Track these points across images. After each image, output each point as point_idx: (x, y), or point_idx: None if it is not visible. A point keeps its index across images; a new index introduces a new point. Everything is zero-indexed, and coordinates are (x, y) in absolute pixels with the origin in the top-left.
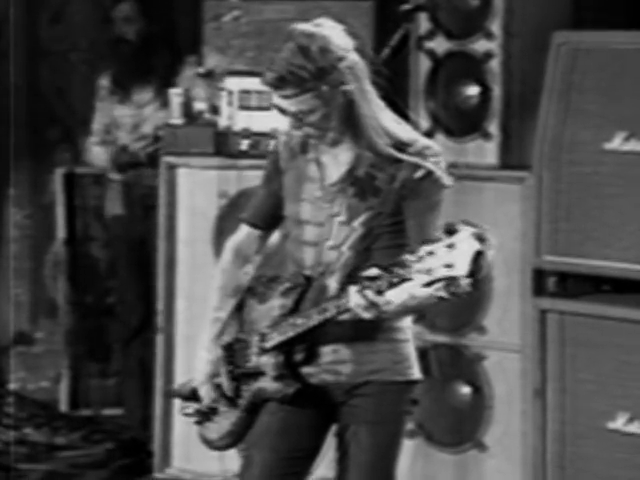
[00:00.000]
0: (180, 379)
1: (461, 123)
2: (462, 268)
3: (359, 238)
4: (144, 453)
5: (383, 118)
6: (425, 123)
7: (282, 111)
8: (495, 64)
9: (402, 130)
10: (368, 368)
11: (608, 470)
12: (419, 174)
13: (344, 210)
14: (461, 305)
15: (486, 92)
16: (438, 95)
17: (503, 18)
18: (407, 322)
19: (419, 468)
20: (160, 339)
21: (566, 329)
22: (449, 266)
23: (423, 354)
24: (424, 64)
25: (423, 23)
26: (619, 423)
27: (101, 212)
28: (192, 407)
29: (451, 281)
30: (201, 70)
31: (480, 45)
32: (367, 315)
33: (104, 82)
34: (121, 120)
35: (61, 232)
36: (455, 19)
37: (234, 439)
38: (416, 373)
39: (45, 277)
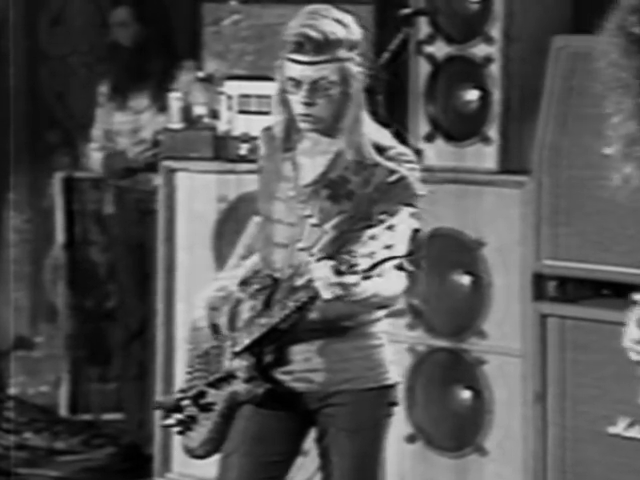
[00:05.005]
0: (180, 383)
1: (461, 127)
2: (401, 248)
3: (330, 241)
4: (144, 457)
5: (366, 120)
6: (425, 127)
7: (298, 83)
8: (495, 68)
9: (380, 135)
10: (341, 377)
11: (609, 475)
12: (392, 178)
13: (317, 212)
14: (461, 309)
15: (486, 96)
16: (438, 99)
17: (503, 22)
18: (381, 327)
19: (419, 472)
20: (160, 343)
21: (566, 333)
22: (389, 247)
23: (423, 359)
24: (424, 68)
25: (423, 27)
26: (620, 428)
27: (100, 216)
28: (174, 418)
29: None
30: (201, 74)
31: (480, 49)
32: (327, 293)
33: (103, 89)
34: (120, 127)
35: (60, 236)
36: (455, 23)
37: (214, 445)
38: (392, 377)
39: (45, 281)
